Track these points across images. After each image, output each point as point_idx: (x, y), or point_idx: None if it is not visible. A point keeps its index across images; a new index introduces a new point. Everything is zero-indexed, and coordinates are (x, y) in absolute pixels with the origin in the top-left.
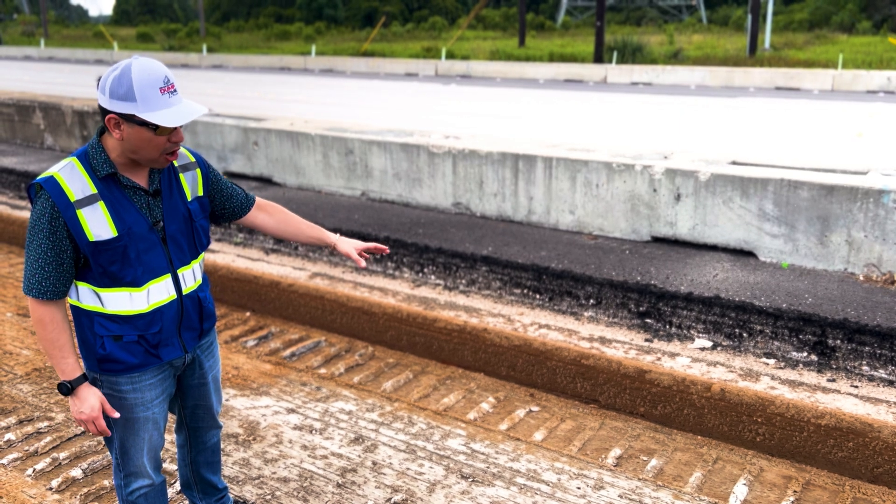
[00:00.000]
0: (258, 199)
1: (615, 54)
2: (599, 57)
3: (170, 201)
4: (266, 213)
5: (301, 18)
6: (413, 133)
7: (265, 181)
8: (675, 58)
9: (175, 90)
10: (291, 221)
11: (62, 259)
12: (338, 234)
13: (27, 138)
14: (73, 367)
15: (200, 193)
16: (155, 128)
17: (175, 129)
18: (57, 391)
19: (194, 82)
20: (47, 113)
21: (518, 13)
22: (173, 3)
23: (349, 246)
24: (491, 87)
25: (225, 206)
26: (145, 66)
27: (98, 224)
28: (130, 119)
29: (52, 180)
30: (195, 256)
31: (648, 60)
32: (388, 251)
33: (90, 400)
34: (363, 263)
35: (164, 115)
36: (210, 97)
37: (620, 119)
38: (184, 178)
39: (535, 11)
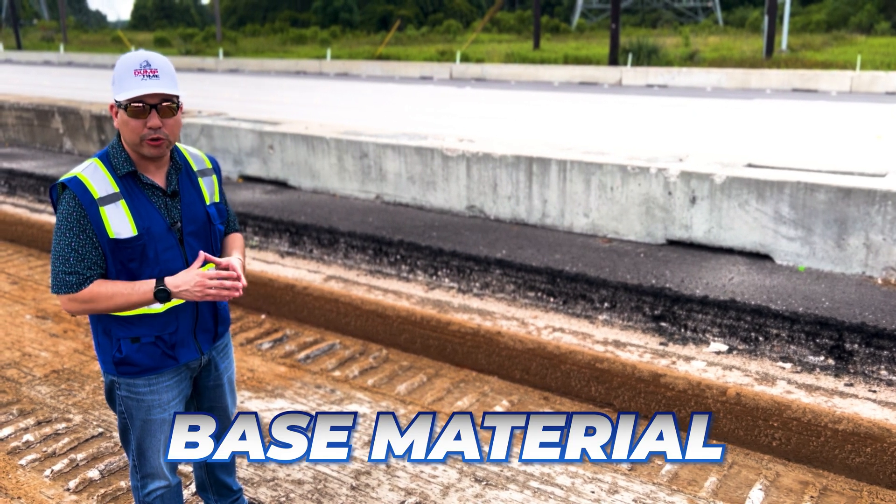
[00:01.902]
0: (232, 234)
1: (630, 56)
2: (614, 59)
3: (188, 203)
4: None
5: (317, 22)
6: (427, 136)
7: (280, 184)
8: (691, 60)
9: (156, 75)
10: (225, 246)
11: (92, 250)
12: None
13: (46, 142)
14: (147, 282)
15: (217, 200)
16: (126, 108)
17: (150, 112)
18: (71, 391)
19: (210, 86)
20: (66, 117)
21: (533, 16)
22: (190, 7)
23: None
24: (505, 90)
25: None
26: (133, 53)
27: (119, 222)
28: (118, 105)
29: (75, 179)
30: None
31: (664, 63)
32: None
33: (187, 275)
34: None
35: (126, 94)
36: (226, 101)
37: (635, 121)
38: (202, 182)
39: (550, 14)
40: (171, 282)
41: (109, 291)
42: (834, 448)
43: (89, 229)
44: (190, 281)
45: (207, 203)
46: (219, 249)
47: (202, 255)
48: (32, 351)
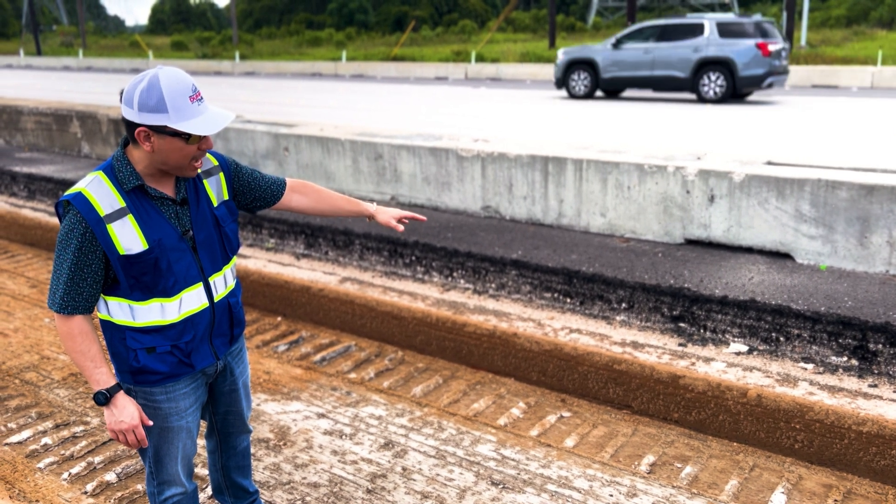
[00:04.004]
0: (289, 181)
1: None
2: None
3: (197, 209)
4: (300, 193)
5: (332, 24)
6: (442, 137)
7: None
8: None
9: (202, 98)
10: (326, 198)
11: (90, 274)
12: (374, 205)
13: (65, 146)
14: (107, 375)
15: (226, 197)
16: (187, 137)
17: (205, 136)
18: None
19: (227, 89)
20: (84, 122)
21: (548, 15)
22: (207, 11)
23: (387, 216)
24: (521, 90)
25: (255, 196)
26: (172, 76)
27: (129, 238)
28: (161, 130)
29: (80, 196)
30: (226, 262)
31: None
32: (425, 219)
33: (129, 408)
34: (401, 229)
35: (196, 124)
36: (242, 104)
37: (652, 119)
38: (208, 184)
39: (566, 13)
40: (117, 399)
41: (83, 347)
42: (858, 450)
43: (89, 249)
44: (125, 416)
45: (215, 205)
46: (234, 250)
47: (403, 219)
48: (51, 354)
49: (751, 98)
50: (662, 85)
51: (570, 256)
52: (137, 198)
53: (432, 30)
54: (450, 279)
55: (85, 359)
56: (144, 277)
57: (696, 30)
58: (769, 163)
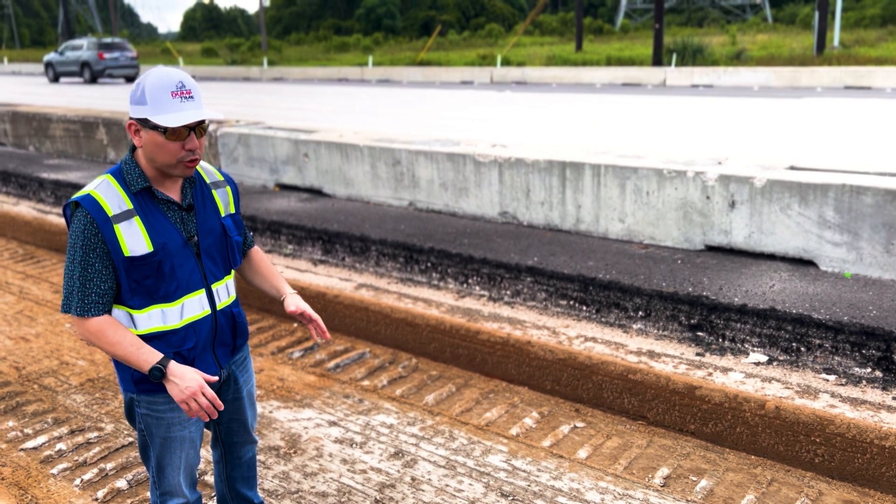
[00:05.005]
0: (253, 248)
1: (674, 56)
2: (658, 60)
3: (203, 216)
4: (246, 260)
5: (360, 30)
6: (459, 142)
7: (315, 192)
8: (738, 59)
9: (191, 96)
10: (259, 272)
11: (104, 271)
12: (288, 295)
13: (91, 153)
14: (152, 352)
15: (233, 211)
16: (164, 131)
17: (188, 135)
18: (106, 403)
19: (254, 95)
20: (109, 128)
21: (575, 18)
22: (237, 18)
23: (295, 307)
24: (546, 93)
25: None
26: (161, 71)
27: (134, 239)
28: (145, 123)
29: (88, 197)
30: (228, 272)
31: (709, 62)
32: (328, 338)
33: (188, 373)
34: (313, 336)
35: (169, 118)
36: (268, 109)
37: (677, 123)
38: (216, 195)
39: (594, 15)
40: (172, 367)
41: (116, 337)
42: (881, 465)
43: (100, 249)
44: (188, 381)
45: (223, 215)
46: (237, 261)
47: (305, 313)
48: (70, 359)
49: (780, 99)
50: (73, 74)
51: (587, 263)
52: (144, 200)
53: (459, 34)
54: (465, 286)
55: (122, 347)
56: (146, 281)
57: (82, 46)
58: (792, 167)
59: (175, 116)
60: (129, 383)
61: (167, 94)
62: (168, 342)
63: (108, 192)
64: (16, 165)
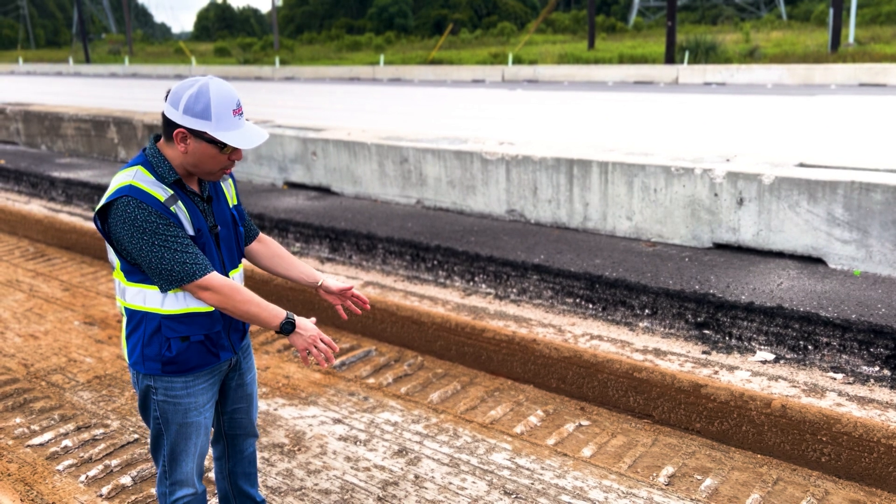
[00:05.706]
0: (260, 233)
1: (687, 54)
2: (671, 57)
3: (218, 206)
4: (262, 244)
5: (372, 29)
6: (467, 140)
7: (324, 191)
8: (751, 56)
9: (242, 113)
10: (284, 257)
11: (188, 240)
12: (323, 276)
13: (102, 152)
14: (278, 308)
15: (235, 202)
16: (222, 146)
17: (235, 149)
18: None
19: (266, 94)
20: (120, 127)
21: (587, 16)
22: (250, 17)
23: (333, 293)
24: (558, 91)
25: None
26: (222, 87)
27: (185, 221)
28: (200, 135)
29: (134, 188)
30: (240, 261)
31: (722, 60)
32: (368, 307)
33: (308, 323)
34: (345, 316)
35: (234, 136)
36: (279, 108)
37: (688, 121)
38: (224, 187)
39: (607, 13)
40: (298, 321)
41: (248, 294)
42: (888, 465)
43: (172, 222)
44: (310, 330)
45: (231, 205)
46: (242, 250)
47: (350, 290)
48: (78, 356)
49: (793, 97)
50: None
51: (594, 261)
52: (176, 190)
53: (471, 32)
54: (471, 284)
55: (251, 305)
56: None
57: None
58: (801, 164)
59: (237, 136)
60: (155, 364)
61: (229, 113)
62: (200, 325)
63: (146, 181)
64: (27, 164)
